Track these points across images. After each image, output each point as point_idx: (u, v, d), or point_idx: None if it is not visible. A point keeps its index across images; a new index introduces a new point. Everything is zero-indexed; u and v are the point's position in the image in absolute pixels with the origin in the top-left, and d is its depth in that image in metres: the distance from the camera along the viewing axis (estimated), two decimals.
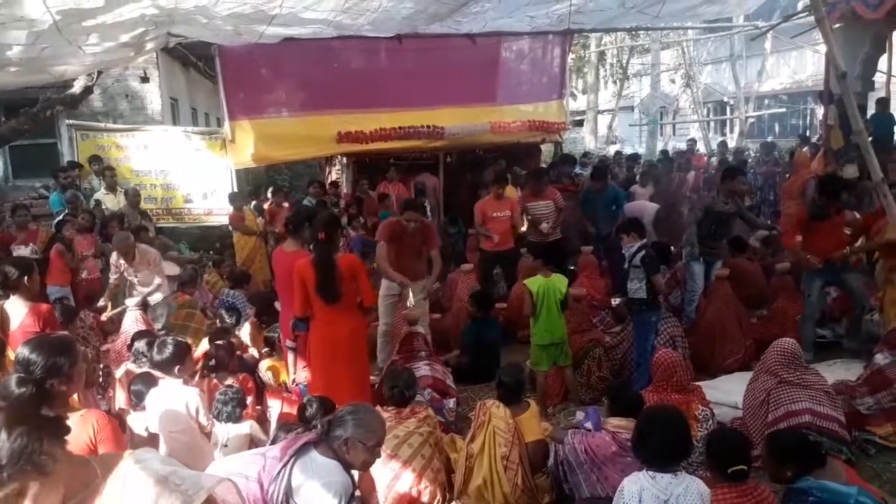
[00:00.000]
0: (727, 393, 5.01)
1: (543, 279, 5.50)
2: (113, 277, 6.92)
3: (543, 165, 11.67)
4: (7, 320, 4.37)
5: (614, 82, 30.39)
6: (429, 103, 10.03)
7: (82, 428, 2.66)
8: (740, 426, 4.40)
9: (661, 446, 2.85)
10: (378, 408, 4.59)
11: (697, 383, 4.74)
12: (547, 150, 12.53)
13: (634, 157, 15.38)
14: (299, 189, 11.54)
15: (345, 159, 11.03)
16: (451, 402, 5.31)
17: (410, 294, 5.79)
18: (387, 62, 10.13)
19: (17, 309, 4.40)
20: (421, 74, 10.08)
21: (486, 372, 5.86)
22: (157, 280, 6.87)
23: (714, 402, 4.61)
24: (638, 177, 11.49)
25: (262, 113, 9.71)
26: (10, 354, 3.84)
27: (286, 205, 9.78)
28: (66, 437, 1.81)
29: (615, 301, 7.26)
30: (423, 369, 5.38)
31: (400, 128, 9.89)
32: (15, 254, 6.94)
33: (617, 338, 6.07)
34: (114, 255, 6.89)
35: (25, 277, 4.43)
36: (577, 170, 12.13)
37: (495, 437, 4.09)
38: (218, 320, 6.46)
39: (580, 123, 28.79)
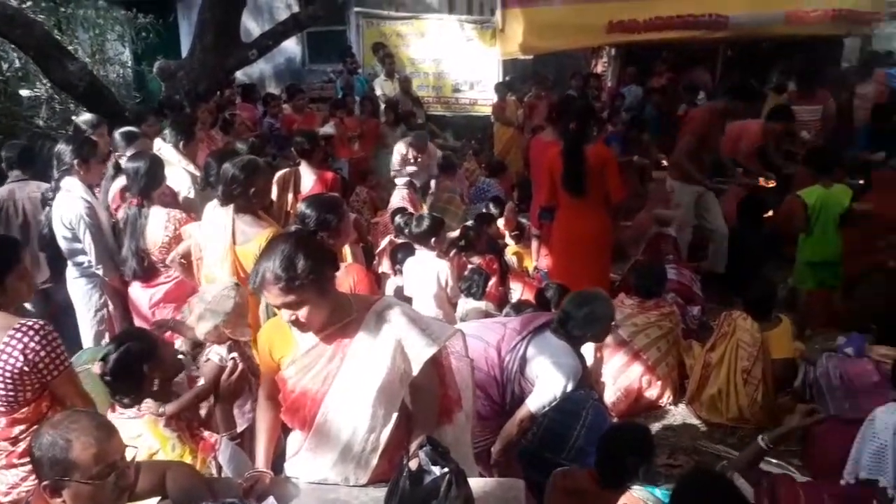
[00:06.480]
0: None
1: (823, 190, 4.91)
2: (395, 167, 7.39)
3: (846, 64, 10.07)
4: (300, 182, 5.02)
5: None
6: None
7: (344, 278, 3.06)
8: None
9: None
10: (622, 294, 4.59)
11: None
12: (852, 45, 10.69)
13: None
14: (562, 83, 11.32)
15: (613, 51, 10.53)
16: (696, 310, 5.12)
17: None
18: None
19: (307, 175, 5.00)
20: None
21: (741, 284, 5.48)
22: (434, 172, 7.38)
23: None
24: None
25: (535, 1, 9.57)
26: None
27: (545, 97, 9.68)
28: (336, 274, 2.12)
29: None
30: (669, 272, 5.18)
31: (678, 16, 9.04)
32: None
33: None
34: (409, 149, 7.35)
35: (314, 147, 5.03)
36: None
37: (738, 349, 3.92)
38: (484, 208, 6.67)
39: None
